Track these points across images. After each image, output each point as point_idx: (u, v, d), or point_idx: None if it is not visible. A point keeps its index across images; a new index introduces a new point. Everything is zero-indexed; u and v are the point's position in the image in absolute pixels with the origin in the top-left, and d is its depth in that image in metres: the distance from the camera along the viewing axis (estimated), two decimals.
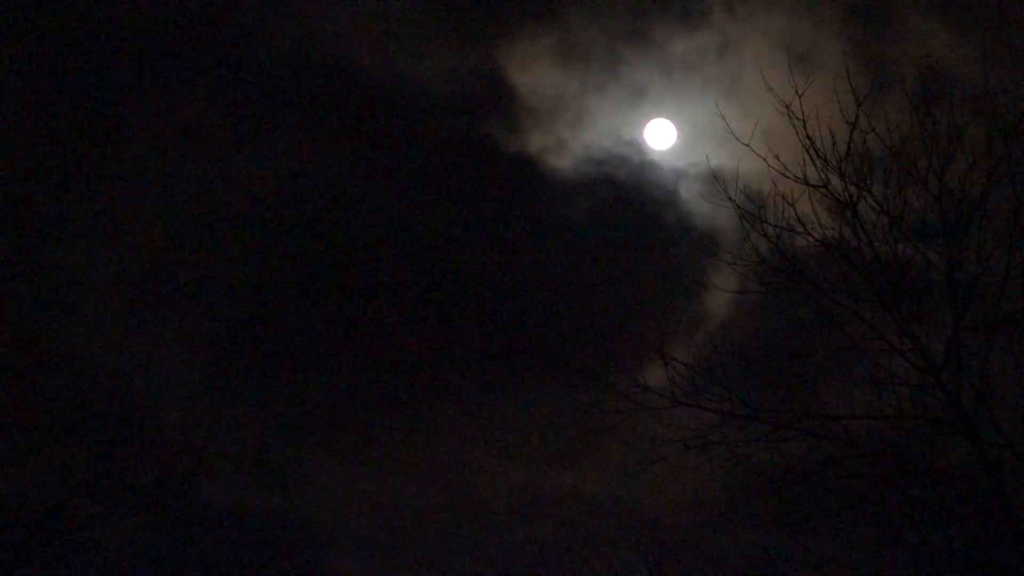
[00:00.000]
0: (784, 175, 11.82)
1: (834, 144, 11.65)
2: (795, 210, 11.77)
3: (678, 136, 18.69)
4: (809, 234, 11.76)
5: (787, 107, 11.75)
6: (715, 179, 12.16)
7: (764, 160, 11.85)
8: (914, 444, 11.35)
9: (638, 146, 18.83)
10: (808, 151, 11.75)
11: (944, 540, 11.29)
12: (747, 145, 11.96)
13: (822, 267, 11.80)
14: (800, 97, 11.69)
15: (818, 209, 11.81)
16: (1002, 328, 11.17)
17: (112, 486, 13.58)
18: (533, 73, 18.64)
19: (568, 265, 17.37)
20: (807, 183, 11.80)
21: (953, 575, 11.23)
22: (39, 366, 11.92)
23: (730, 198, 12.04)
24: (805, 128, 11.71)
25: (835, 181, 11.73)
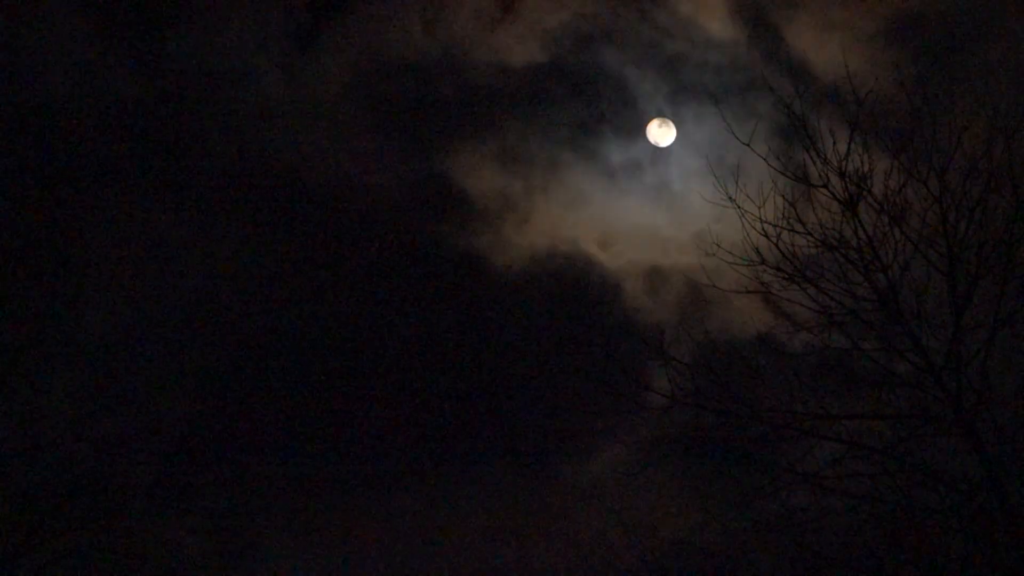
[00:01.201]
0: (784, 175, 11.85)
1: (834, 146, 11.68)
2: (795, 210, 11.80)
3: (618, 239, 19.30)
4: (809, 234, 11.77)
5: (787, 107, 11.79)
6: (715, 177, 12.21)
7: (764, 160, 11.89)
8: (914, 444, 11.36)
9: (579, 245, 19.69)
10: (808, 151, 11.79)
11: (944, 540, 11.29)
12: (747, 144, 12.02)
13: (822, 267, 11.81)
14: (800, 97, 11.74)
15: (818, 209, 11.84)
16: (1002, 328, 11.18)
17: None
18: (478, 177, 19.41)
19: (514, 356, 18.09)
20: (807, 183, 11.82)
21: (953, 575, 11.23)
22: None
23: (730, 198, 12.06)
24: (805, 128, 11.75)
25: (835, 181, 11.75)
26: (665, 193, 20.43)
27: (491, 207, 19.24)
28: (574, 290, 18.94)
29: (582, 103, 20.33)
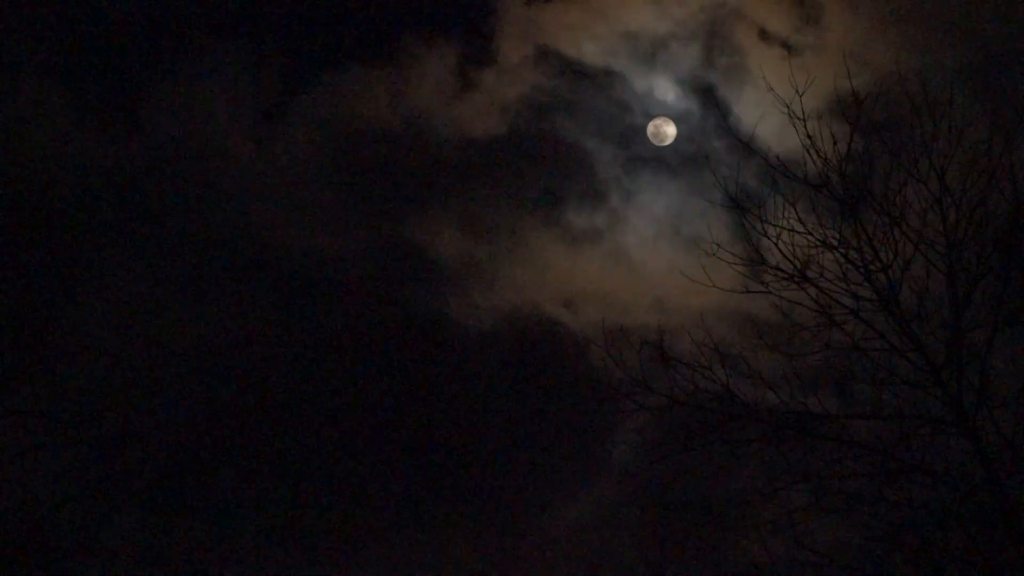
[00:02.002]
0: (784, 175, 11.85)
1: (834, 144, 11.68)
2: (795, 210, 11.80)
3: (582, 302, 19.83)
4: (809, 234, 11.77)
5: (787, 106, 11.80)
6: (714, 176, 12.21)
7: (765, 160, 11.89)
8: (914, 444, 11.35)
9: (543, 308, 20.20)
10: (808, 151, 11.79)
11: (944, 540, 11.29)
12: (747, 144, 12.02)
13: (822, 267, 11.80)
14: (800, 97, 11.74)
15: (818, 209, 11.84)
16: (1002, 328, 11.17)
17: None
18: (444, 242, 20.30)
19: (480, 413, 18.64)
20: (807, 183, 11.82)
21: (953, 575, 11.23)
22: None
23: (731, 197, 12.07)
24: (806, 128, 11.75)
25: (835, 181, 11.75)
26: (624, 258, 21.22)
27: (457, 271, 20.05)
28: (540, 349, 19.66)
29: (542, 171, 21.31)
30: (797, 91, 11.74)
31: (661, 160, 21.69)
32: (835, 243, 11.73)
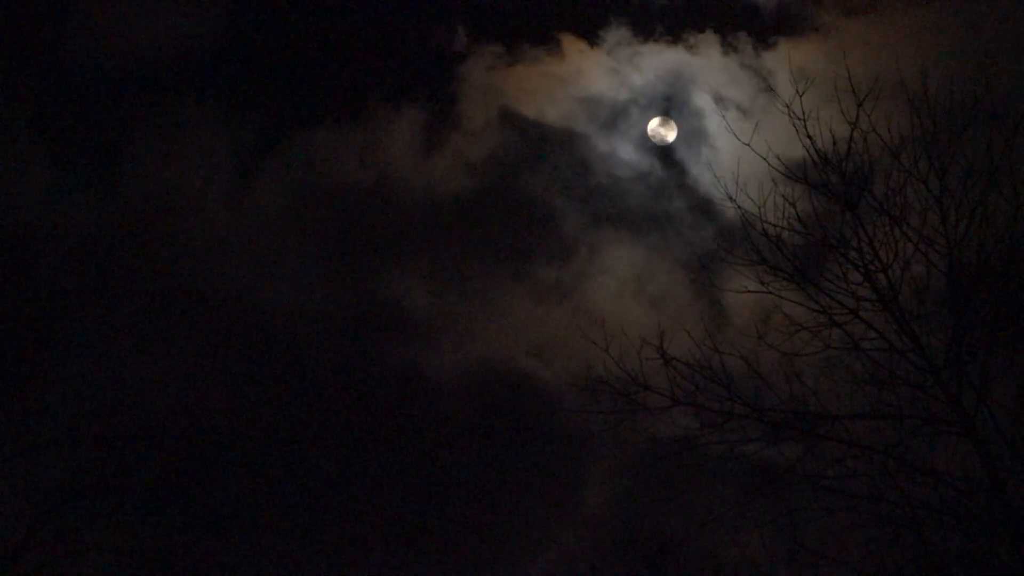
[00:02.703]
0: (784, 175, 11.86)
1: (834, 144, 11.68)
2: (795, 210, 11.80)
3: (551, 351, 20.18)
4: (809, 234, 11.77)
5: (787, 106, 11.80)
6: (715, 178, 12.22)
7: (765, 160, 11.89)
8: (914, 444, 11.35)
9: (515, 363, 20.75)
10: (808, 151, 11.79)
11: (944, 540, 11.29)
12: (748, 145, 12.04)
13: (822, 267, 11.81)
14: (800, 97, 11.75)
15: (818, 209, 11.84)
16: (1002, 328, 11.17)
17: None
18: (414, 297, 20.81)
19: (451, 464, 19.22)
20: (807, 183, 11.82)
21: (953, 575, 11.23)
22: None
23: (731, 197, 12.07)
24: (806, 128, 11.75)
25: (835, 181, 11.75)
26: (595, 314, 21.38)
27: (428, 324, 20.55)
28: (511, 398, 20.18)
29: (510, 226, 21.84)
30: (798, 91, 11.75)
31: (623, 219, 22.44)
32: (835, 243, 11.73)
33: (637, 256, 21.44)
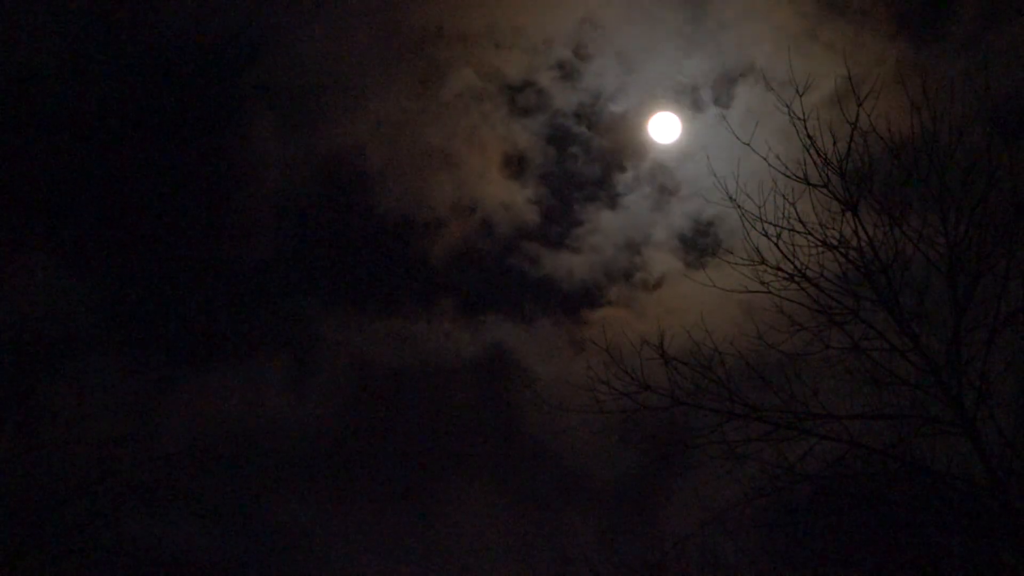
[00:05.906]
0: (784, 175, 11.84)
1: (835, 144, 11.67)
2: (795, 210, 11.79)
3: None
4: (809, 234, 11.76)
5: (787, 106, 11.78)
6: (715, 179, 12.22)
7: (765, 160, 11.88)
8: (914, 444, 11.35)
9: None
10: (808, 151, 11.77)
11: (944, 540, 11.29)
12: (747, 144, 12.03)
13: (822, 267, 11.80)
14: (800, 97, 11.74)
15: (818, 209, 11.83)
16: (1002, 328, 11.17)
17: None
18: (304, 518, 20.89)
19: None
20: (807, 183, 11.81)
21: (953, 575, 11.23)
22: None
23: (731, 197, 12.07)
24: (806, 128, 11.74)
25: (835, 181, 11.74)
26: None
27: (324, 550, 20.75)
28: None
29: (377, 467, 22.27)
30: (798, 91, 11.74)
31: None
32: (835, 243, 11.72)
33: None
